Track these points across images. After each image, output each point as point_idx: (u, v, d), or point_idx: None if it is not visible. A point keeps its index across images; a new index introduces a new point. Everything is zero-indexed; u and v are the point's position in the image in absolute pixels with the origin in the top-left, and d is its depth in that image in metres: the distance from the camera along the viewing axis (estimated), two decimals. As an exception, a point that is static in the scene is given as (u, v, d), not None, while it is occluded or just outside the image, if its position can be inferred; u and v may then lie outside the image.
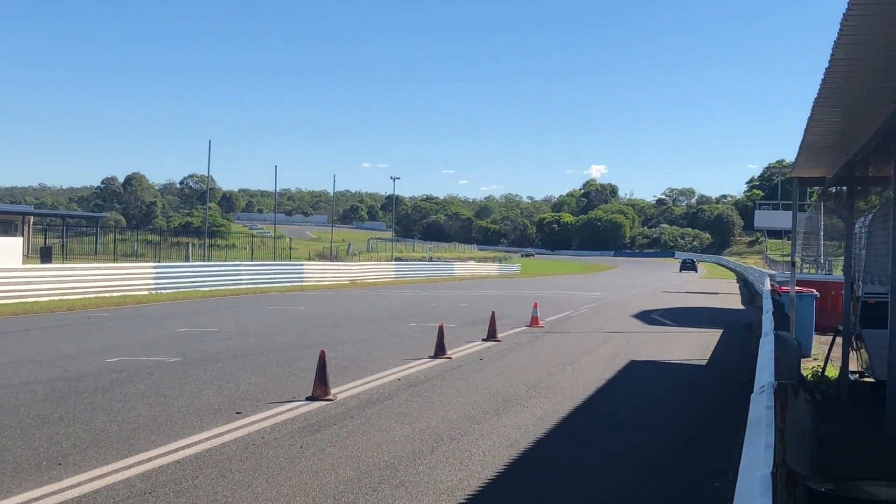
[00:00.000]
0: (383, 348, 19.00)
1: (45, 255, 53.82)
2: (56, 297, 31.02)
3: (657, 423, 11.94)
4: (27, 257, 54.18)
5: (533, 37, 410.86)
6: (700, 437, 11.05)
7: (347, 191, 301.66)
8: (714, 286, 66.57)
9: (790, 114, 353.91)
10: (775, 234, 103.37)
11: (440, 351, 17.50)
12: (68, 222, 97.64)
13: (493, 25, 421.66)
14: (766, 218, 75.78)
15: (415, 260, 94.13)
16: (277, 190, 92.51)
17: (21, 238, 46.27)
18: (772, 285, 28.67)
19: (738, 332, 26.25)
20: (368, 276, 60.69)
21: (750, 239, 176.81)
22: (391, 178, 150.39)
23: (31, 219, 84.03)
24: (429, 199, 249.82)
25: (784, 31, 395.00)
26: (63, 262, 49.69)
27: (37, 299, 30.08)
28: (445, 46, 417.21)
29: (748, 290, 58.02)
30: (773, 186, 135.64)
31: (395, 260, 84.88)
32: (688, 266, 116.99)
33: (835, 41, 8.40)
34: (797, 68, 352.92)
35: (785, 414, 4.85)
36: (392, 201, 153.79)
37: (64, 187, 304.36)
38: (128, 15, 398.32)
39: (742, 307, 41.04)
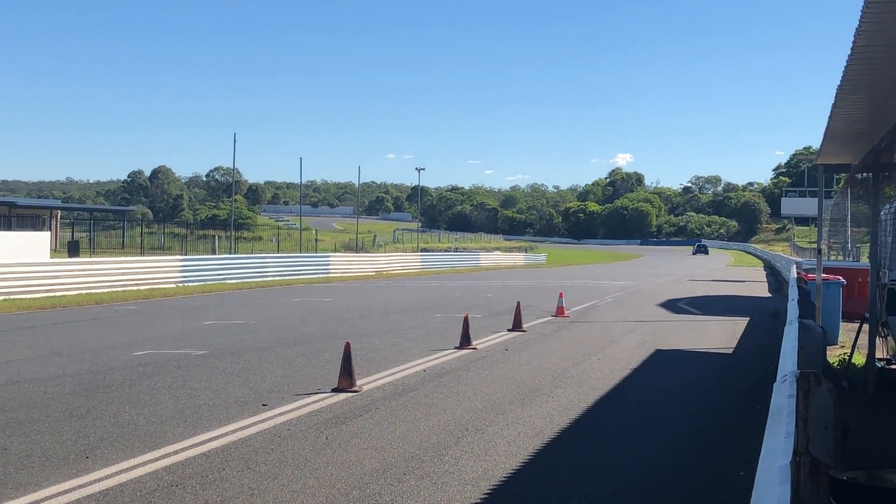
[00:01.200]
0: (409, 339, 19.04)
1: (73, 249, 54.17)
2: (84, 291, 31.19)
3: (682, 412, 11.93)
4: (55, 251, 54.49)
5: (556, 23, 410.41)
6: (725, 427, 11.02)
7: (373, 182, 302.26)
8: (741, 274, 66.28)
9: (817, 100, 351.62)
10: (803, 221, 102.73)
11: (465, 342, 17.53)
12: (95, 216, 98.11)
13: (515, 12, 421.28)
14: (792, 205, 75.26)
15: (440, 251, 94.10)
16: (303, 182, 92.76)
17: (49, 232, 46.48)
18: (798, 273, 28.47)
19: (764, 320, 26.14)
20: (394, 267, 60.78)
21: (777, 226, 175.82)
22: (416, 168, 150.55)
23: (59, 213, 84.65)
24: (454, 189, 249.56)
25: (810, 14, 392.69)
26: (90, 256, 50.03)
27: (65, 293, 30.27)
28: (468, 35, 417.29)
29: (775, 278, 57.76)
30: (800, 173, 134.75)
31: (421, 251, 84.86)
32: (700, 250, 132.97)
33: (857, 28, 8.36)
34: (824, 53, 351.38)
35: (808, 402, 4.83)
36: (417, 192, 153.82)
37: (91, 181, 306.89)
38: (151, 7, 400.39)
39: (769, 295, 40.85)
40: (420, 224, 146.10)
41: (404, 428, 10.20)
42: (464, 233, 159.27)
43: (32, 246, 34.83)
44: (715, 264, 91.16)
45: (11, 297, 28.04)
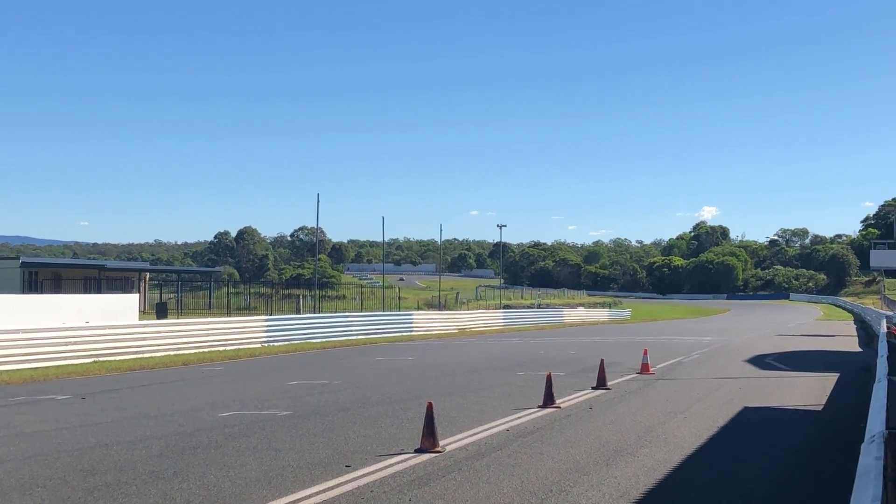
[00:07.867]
0: (491, 398, 18.96)
1: (161, 311, 55.10)
2: (171, 352, 31.65)
3: (771, 471, 11.67)
4: (143, 313, 55.50)
5: (638, 77, 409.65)
6: (816, 487, 10.77)
7: (455, 239, 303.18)
8: (830, 328, 65.07)
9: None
10: (893, 273, 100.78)
11: (549, 400, 17.40)
12: (183, 277, 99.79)
13: (595, 67, 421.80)
14: (882, 257, 73.75)
15: (523, 307, 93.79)
16: (386, 240, 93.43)
17: (137, 294, 47.46)
18: (888, 327, 27.83)
19: (855, 375, 25.58)
20: (477, 324, 60.72)
21: (867, 279, 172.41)
22: (498, 225, 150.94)
23: (147, 275, 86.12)
24: (536, 245, 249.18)
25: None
26: (178, 317, 50.77)
27: (153, 354, 30.74)
28: (548, 92, 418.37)
29: (866, 332, 56.58)
30: (888, 224, 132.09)
31: (504, 308, 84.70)
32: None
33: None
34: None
35: (897, 465, 4.72)
36: (500, 249, 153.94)
37: (179, 243, 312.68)
38: (237, 72, 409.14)
39: (860, 349, 39.94)
40: (502, 281, 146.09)
41: (487, 489, 10.13)
42: (546, 289, 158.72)
43: (121, 308, 35.57)
44: (804, 319, 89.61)
45: (101, 358, 28.54)
